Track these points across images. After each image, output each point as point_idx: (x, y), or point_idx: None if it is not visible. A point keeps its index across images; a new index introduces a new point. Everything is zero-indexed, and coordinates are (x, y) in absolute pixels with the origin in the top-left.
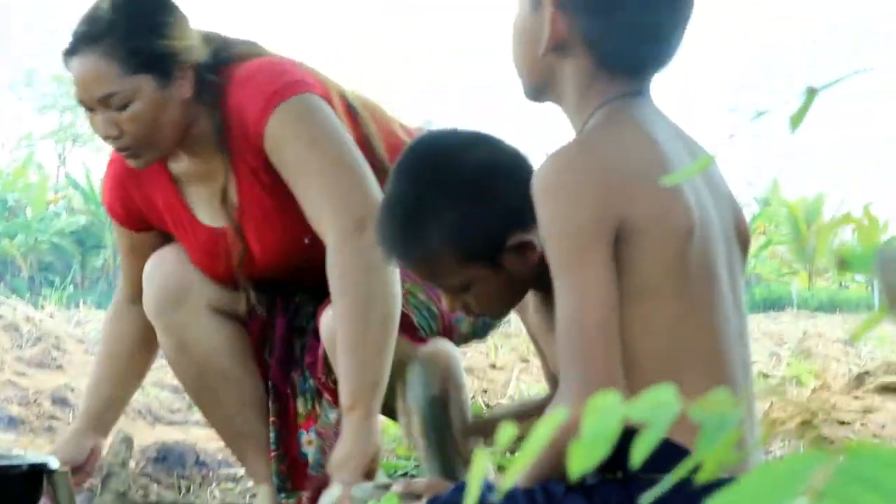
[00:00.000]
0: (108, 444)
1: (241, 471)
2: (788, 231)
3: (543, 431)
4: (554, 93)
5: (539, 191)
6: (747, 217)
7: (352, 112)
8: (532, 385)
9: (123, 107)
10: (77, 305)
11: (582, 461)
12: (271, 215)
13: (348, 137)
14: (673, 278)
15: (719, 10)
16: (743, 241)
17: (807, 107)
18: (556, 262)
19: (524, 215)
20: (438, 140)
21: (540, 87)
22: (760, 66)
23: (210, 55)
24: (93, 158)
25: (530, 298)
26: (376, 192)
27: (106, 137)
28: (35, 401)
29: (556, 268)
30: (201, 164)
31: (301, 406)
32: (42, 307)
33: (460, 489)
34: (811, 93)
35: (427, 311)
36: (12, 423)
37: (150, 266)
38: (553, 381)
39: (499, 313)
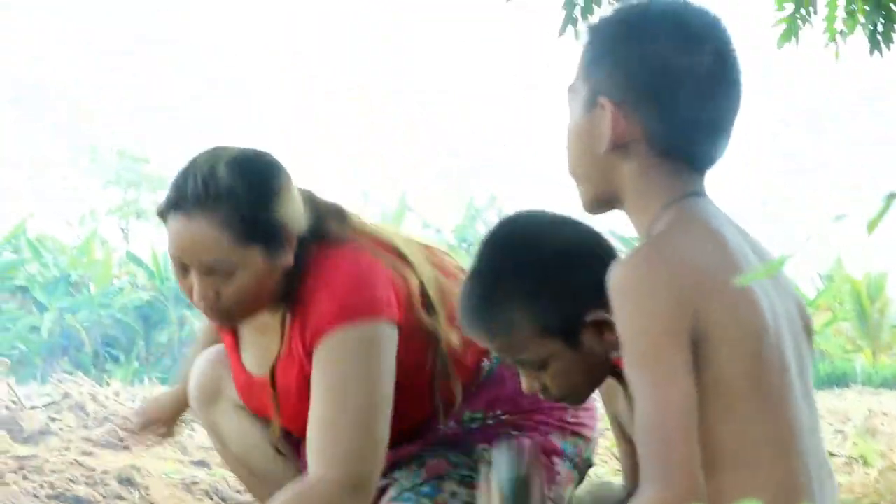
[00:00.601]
0: None
1: None
2: (852, 307)
3: None
4: (615, 197)
5: (614, 293)
6: (812, 293)
7: (427, 305)
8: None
9: (228, 274)
10: (142, 381)
11: None
12: (301, 392)
13: (389, 388)
14: (750, 375)
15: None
16: (808, 331)
17: (884, 211)
18: (633, 362)
19: (603, 295)
20: (522, 218)
21: (601, 193)
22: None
23: (308, 226)
24: (157, 234)
25: (618, 390)
26: (378, 460)
27: (199, 301)
28: (102, 481)
29: (634, 368)
30: (264, 316)
31: None
32: (107, 383)
33: None
34: (891, 198)
35: None
36: (79, 503)
37: (195, 362)
38: (629, 478)
39: (576, 397)
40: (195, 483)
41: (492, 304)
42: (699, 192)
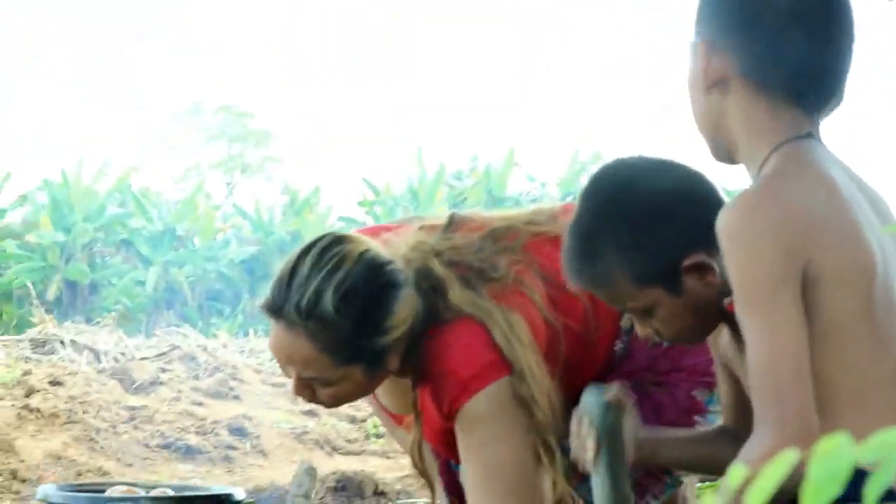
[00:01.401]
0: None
1: (420, 500)
2: None
3: (774, 474)
4: (729, 141)
5: (724, 237)
6: None
7: (551, 329)
8: None
9: (326, 384)
10: (246, 334)
11: (814, 501)
12: (441, 446)
13: (526, 441)
14: (861, 317)
15: None
16: None
17: None
18: (744, 305)
19: (702, 238)
20: (620, 166)
21: (717, 138)
22: None
23: (421, 321)
24: (262, 188)
25: (723, 329)
26: None
27: (297, 394)
28: (213, 431)
29: (746, 313)
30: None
31: None
32: (214, 336)
33: None
34: None
35: None
36: (190, 452)
37: None
38: (730, 416)
39: (689, 338)
40: (305, 433)
41: (589, 258)
42: (811, 135)
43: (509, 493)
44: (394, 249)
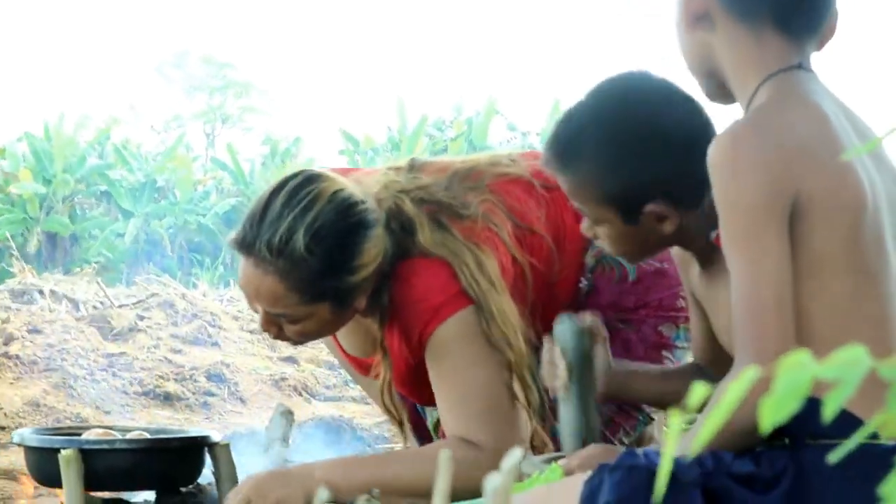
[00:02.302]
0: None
1: (398, 445)
2: None
3: (731, 397)
4: (720, 78)
5: (712, 167)
6: None
7: (518, 267)
8: None
9: (293, 321)
10: (227, 285)
11: (773, 415)
12: (409, 380)
13: (499, 367)
14: (846, 251)
15: None
16: None
17: None
18: (730, 237)
19: (676, 189)
20: (640, 80)
21: (706, 76)
22: None
23: (389, 259)
24: (241, 139)
25: (693, 263)
26: (522, 431)
27: (264, 330)
28: (191, 377)
29: (731, 243)
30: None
31: None
32: (194, 286)
33: (630, 455)
34: None
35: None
36: (168, 399)
37: None
38: (701, 352)
39: (628, 258)
40: (284, 379)
41: (571, 152)
42: (801, 66)
43: (488, 411)
44: (366, 188)
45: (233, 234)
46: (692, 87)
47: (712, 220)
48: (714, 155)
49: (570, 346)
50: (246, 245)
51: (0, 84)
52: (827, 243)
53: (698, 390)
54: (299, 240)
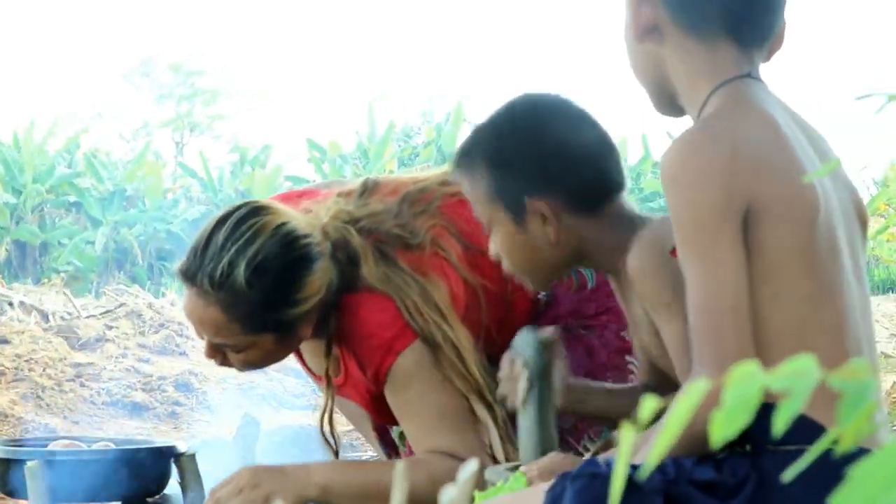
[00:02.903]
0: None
1: (367, 454)
2: None
3: (685, 406)
4: (670, 91)
5: (665, 177)
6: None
7: (470, 290)
8: None
9: (237, 349)
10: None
11: (723, 429)
12: (371, 405)
13: (449, 387)
14: (801, 258)
15: None
16: (862, 220)
17: None
18: (684, 246)
19: (559, 190)
20: (550, 97)
21: (656, 89)
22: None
23: (335, 291)
24: (210, 147)
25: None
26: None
27: (208, 357)
28: (159, 387)
29: (685, 253)
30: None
31: None
32: (163, 295)
33: (591, 464)
34: None
35: None
36: (136, 409)
37: None
38: (645, 373)
39: (528, 277)
40: (252, 388)
41: (468, 154)
42: (750, 75)
43: (460, 430)
44: (313, 219)
45: (178, 262)
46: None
47: (623, 241)
48: (666, 164)
49: (530, 359)
50: (189, 275)
51: None
52: (781, 251)
53: (648, 403)
54: (240, 273)
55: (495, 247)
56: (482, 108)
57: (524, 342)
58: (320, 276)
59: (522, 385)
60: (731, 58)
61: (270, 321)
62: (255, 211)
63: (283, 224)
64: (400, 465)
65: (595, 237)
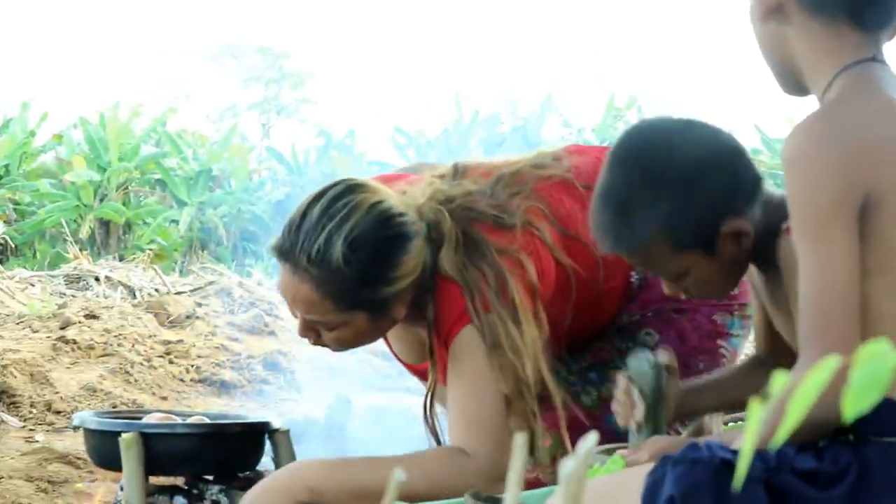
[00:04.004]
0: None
1: None
2: None
3: (811, 387)
4: (795, 71)
5: (785, 161)
6: None
7: (560, 268)
8: None
9: (330, 328)
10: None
11: (855, 406)
12: None
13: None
14: None
15: None
16: None
17: None
18: (801, 230)
19: (737, 202)
20: (652, 129)
21: (782, 70)
22: None
23: (430, 271)
24: (296, 130)
25: (753, 271)
26: (503, 455)
27: (301, 336)
28: (247, 366)
29: (802, 236)
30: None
31: None
32: (248, 275)
33: (692, 448)
34: None
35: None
36: (224, 387)
37: None
38: (762, 343)
39: (718, 295)
40: (340, 369)
41: (627, 225)
42: (875, 58)
43: (484, 424)
44: (409, 199)
45: (273, 239)
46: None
47: (773, 226)
48: (788, 149)
49: (647, 384)
50: (283, 252)
51: (56, 70)
52: None
53: (779, 379)
54: (335, 249)
55: (676, 288)
56: (569, 98)
57: (640, 365)
58: (415, 256)
59: (640, 412)
60: (854, 41)
61: (364, 299)
62: (351, 188)
63: (379, 202)
64: (394, 465)
65: (761, 229)
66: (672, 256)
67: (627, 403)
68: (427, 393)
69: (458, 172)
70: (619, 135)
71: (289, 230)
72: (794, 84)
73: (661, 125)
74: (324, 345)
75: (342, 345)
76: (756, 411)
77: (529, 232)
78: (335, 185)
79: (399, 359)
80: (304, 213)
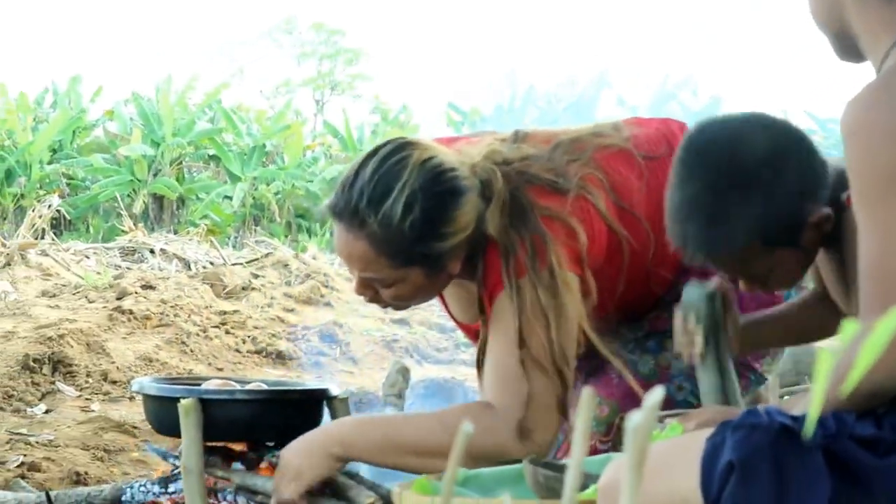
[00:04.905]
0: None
1: None
2: None
3: (878, 339)
4: (851, 38)
5: (844, 130)
6: None
7: (612, 234)
8: None
9: (386, 284)
10: (333, 251)
11: None
12: None
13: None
14: None
15: None
16: None
17: None
18: (861, 199)
19: (817, 189)
20: (718, 129)
21: (838, 35)
22: None
23: (482, 226)
24: (350, 106)
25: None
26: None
27: (358, 294)
28: (303, 337)
29: (862, 206)
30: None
31: None
32: (304, 250)
33: (751, 414)
34: None
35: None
36: (280, 358)
37: None
38: (822, 289)
39: (795, 283)
40: (395, 341)
41: (715, 235)
42: None
43: (512, 382)
44: (465, 157)
45: (327, 200)
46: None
47: (832, 191)
48: (847, 119)
49: (702, 312)
50: (337, 210)
51: (107, 45)
52: None
53: (849, 326)
54: (389, 205)
55: (757, 284)
56: (624, 76)
57: (694, 296)
58: (468, 212)
59: (699, 341)
60: None
61: (419, 254)
62: (403, 146)
63: (431, 157)
64: (421, 420)
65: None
66: (764, 256)
67: (686, 337)
68: (479, 350)
69: (519, 138)
70: (684, 140)
71: (342, 189)
72: (850, 50)
73: (726, 124)
74: (381, 302)
75: (399, 301)
76: (826, 360)
77: (583, 197)
78: (387, 143)
79: (454, 319)
80: (357, 172)
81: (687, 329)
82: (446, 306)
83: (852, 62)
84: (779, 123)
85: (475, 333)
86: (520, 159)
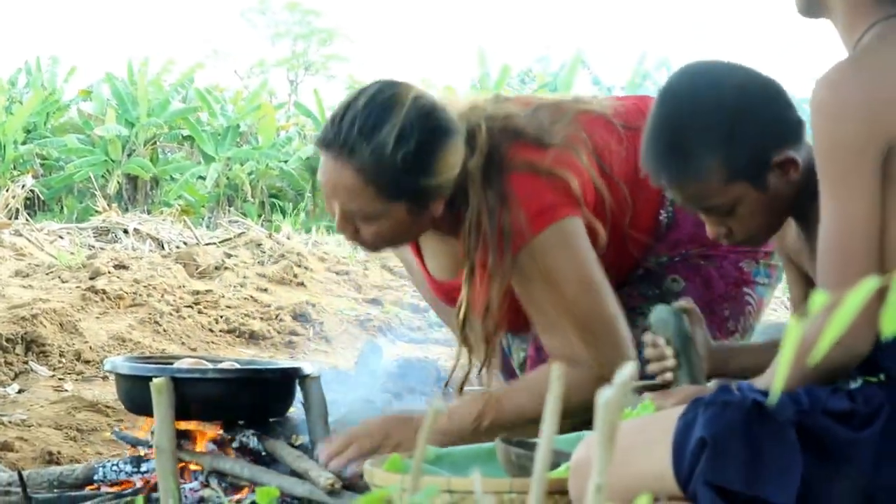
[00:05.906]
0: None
1: (481, 388)
2: None
3: (858, 298)
4: (825, 7)
5: (812, 107)
6: None
7: (598, 196)
8: None
9: (369, 220)
10: (309, 231)
11: (893, 323)
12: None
13: (597, 270)
14: None
15: None
16: None
17: None
18: (824, 176)
19: (787, 134)
20: (700, 67)
21: (811, 1)
22: None
23: (480, 164)
24: (324, 86)
25: (789, 226)
26: (626, 341)
27: (339, 230)
28: (276, 317)
29: (825, 182)
30: (440, 233)
31: None
32: (277, 230)
33: (724, 391)
34: None
35: None
36: (254, 337)
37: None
38: (798, 302)
39: (760, 238)
40: (368, 320)
41: (681, 155)
42: None
43: (589, 328)
44: (451, 104)
45: (317, 135)
46: None
47: (812, 176)
48: (815, 97)
49: (671, 331)
50: (327, 142)
51: (81, 25)
52: None
53: (818, 298)
54: (380, 135)
55: (720, 228)
56: (600, 56)
57: (662, 316)
58: (455, 153)
59: (671, 363)
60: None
61: (406, 188)
62: (393, 84)
63: (420, 96)
64: (522, 385)
65: (803, 185)
66: (723, 188)
67: (656, 352)
68: (459, 307)
69: (500, 100)
70: (668, 77)
71: (332, 122)
72: (814, 9)
73: (709, 64)
74: (361, 241)
75: (379, 240)
76: (794, 329)
77: (569, 153)
78: (375, 83)
79: (430, 277)
80: (349, 106)
81: (656, 346)
82: (422, 263)
83: (808, 17)
84: (759, 72)
85: (447, 292)
86: (503, 116)
